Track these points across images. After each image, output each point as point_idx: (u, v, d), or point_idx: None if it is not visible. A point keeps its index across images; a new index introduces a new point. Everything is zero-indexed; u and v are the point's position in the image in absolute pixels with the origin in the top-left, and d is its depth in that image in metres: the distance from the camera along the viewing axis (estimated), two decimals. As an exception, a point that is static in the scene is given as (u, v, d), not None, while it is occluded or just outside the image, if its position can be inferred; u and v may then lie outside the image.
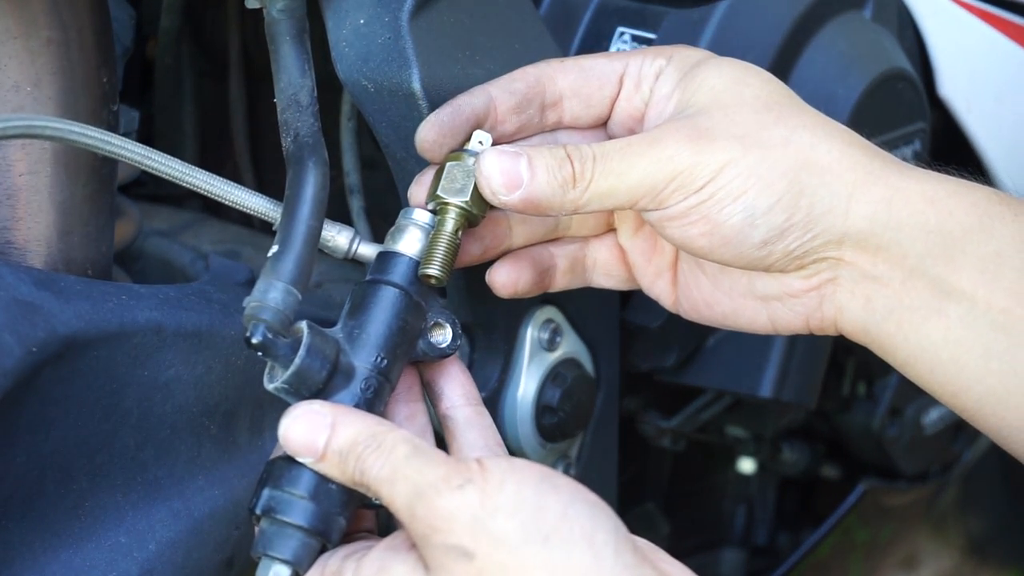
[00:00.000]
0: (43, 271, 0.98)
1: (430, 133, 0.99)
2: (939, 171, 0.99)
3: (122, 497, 0.99)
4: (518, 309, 1.13)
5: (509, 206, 0.97)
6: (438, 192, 0.98)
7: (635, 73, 1.02)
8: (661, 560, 0.89)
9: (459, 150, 0.99)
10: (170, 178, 0.96)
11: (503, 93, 1.01)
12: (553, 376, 1.16)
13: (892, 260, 0.96)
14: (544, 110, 1.02)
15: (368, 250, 0.99)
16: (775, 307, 1.01)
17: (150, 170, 0.96)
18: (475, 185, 0.97)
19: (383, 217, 1.00)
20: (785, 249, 0.96)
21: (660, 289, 1.06)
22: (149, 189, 1.40)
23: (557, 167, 0.96)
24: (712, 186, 0.95)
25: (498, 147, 0.98)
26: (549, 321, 1.15)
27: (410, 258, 0.97)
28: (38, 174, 1.00)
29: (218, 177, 0.98)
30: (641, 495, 1.49)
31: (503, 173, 0.96)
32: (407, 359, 0.97)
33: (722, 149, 0.95)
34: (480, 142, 0.99)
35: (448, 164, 0.99)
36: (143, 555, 0.99)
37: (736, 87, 0.98)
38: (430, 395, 1.00)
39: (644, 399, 1.39)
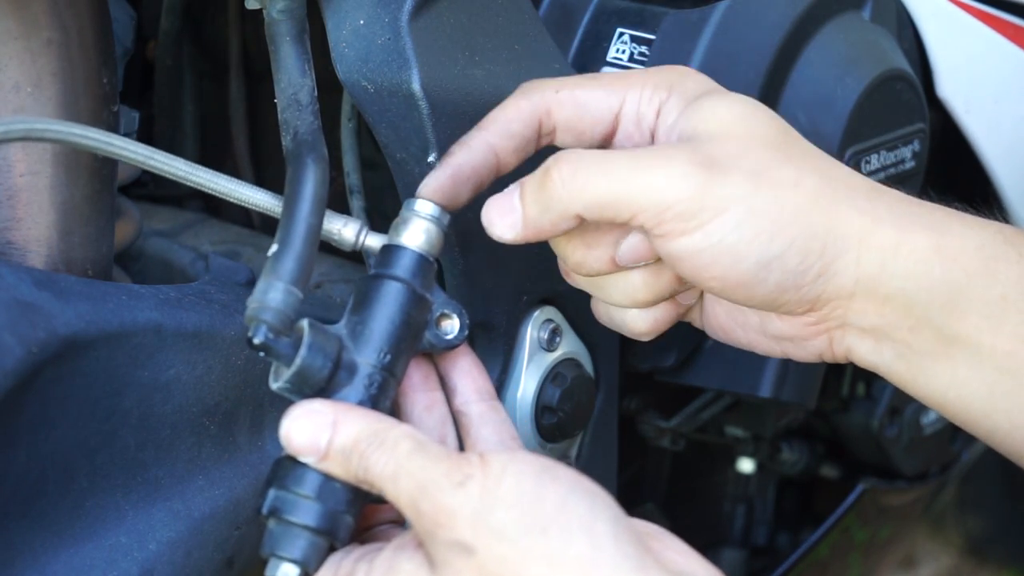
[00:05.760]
0: (43, 271, 0.98)
1: (435, 196, 0.97)
2: (941, 203, 0.98)
3: (122, 497, 0.99)
4: (517, 309, 1.13)
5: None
6: None
7: (633, 113, 1.00)
8: (666, 548, 0.89)
9: None
10: (174, 177, 0.96)
11: (502, 139, 0.98)
12: (553, 376, 1.16)
13: (898, 310, 0.96)
14: (540, 140, 1.01)
15: (375, 241, 0.99)
16: (787, 346, 1.02)
17: (153, 170, 0.96)
18: None
19: (383, 217, 1.00)
20: (798, 295, 0.95)
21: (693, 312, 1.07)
22: (149, 190, 1.40)
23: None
24: (720, 226, 0.93)
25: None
26: (549, 321, 1.15)
27: (413, 251, 0.96)
28: (38, 175, 1.00)
29: (222, 175, 0.97)
30: (641, 495, 1.49)
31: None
32: (413, 353, 0.97)
33: (733, 183, 0.93)
34: None
35: None
36: (143, 555, 0.99)
37: (745, 121, 0.97)
38: (444, 389, 1.00)
39: (644, 399, 1.39)
